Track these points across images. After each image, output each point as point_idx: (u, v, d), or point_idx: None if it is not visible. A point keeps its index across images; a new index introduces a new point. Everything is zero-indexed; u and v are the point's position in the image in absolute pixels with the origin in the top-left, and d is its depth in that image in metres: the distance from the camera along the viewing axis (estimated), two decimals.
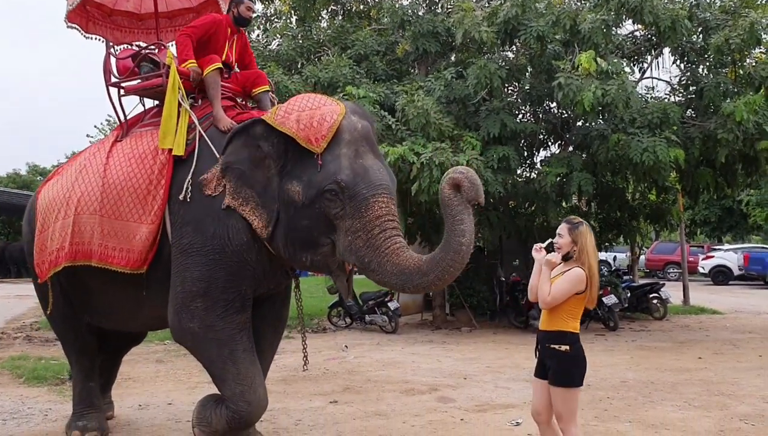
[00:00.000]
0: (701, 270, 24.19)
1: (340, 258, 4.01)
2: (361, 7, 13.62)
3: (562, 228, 3.89)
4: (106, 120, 28.59)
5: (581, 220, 3.92)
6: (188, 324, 4.26)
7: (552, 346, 3.82)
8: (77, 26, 5.26)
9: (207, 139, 4.44)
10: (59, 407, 6.25)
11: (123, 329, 5.50)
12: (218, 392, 4.38)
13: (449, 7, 11.52)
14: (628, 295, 13.08)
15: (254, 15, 4.89)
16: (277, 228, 4.12)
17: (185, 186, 4.33)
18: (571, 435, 3.83)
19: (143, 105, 5.33)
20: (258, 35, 13.64)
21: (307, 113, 4.07)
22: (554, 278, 3.83)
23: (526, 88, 11.84)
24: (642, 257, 24.42)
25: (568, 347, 3.78)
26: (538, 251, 3.94)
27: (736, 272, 23.13)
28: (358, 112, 4.34)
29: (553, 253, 3.86)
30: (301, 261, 4.17)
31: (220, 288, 4.23)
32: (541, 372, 3.93)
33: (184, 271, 4.28)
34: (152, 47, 5.24)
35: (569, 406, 3.83)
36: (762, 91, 10.33)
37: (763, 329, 11.98)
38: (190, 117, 4.56)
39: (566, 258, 3.86)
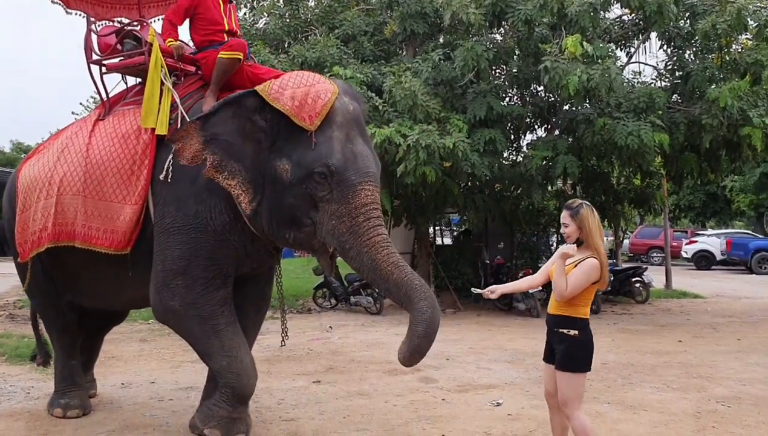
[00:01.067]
0: (684, 255, 24.41)
1: (319, 240, 4.03)
2: None
3: (565, 216, 3.81)
4: (91, 97, 28.15)
5: (581, 202, 3.85)
6: (169, 303, 4.29)
7: (561, 330, 3.78)
8: (59, 2, 5.18)
9: (188, 118, 4.38)
10: (41, 385, 6.25)
11: (106, 308, 5.50)
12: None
13: None
14: (612, 278, 13.18)
15: None
16: (262, 204, 4.10)
17: (167, 166, 4.30)
18: (576, 419, 3.77)
19: (125, 83, 5.28)
20: (245, 13, 13.50)
21: (302, 90, 4.04)
22: (567, 267, 3.74)
23: (514, 71, 11.83)
24: (626, 242, 24.62)
25: (577, 332, 3.74)
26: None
27: (719, 256, 23.36)
28: (350, 92, 4.35)
29: (567, 245, 3.76)
30: (284, 238, 4.17)
31: (200, 266, 4.24)
32: (549, 357, 3.91)
33: (164, 250, 4.28)
34: (134, 24, 5.18)
35: (575, 391, 3.77)
36: (747, 77, 10.39)
37: (742, 313, 12.14)
38: (172, 96, 4.51)
39: (579, 243, 3.79)
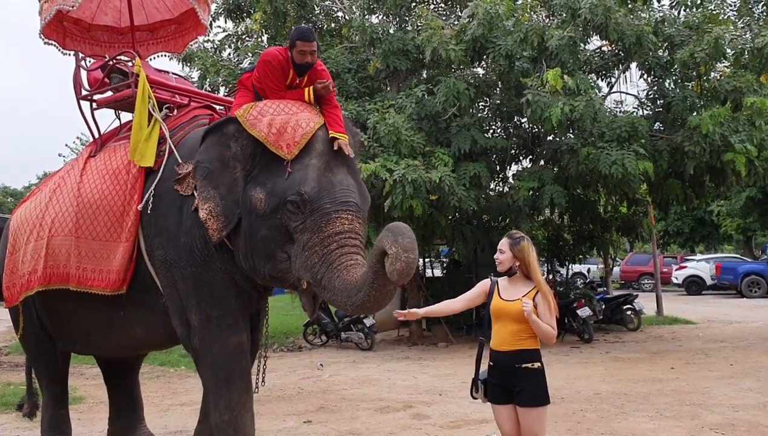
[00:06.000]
0: (675, 281, 24.44)
1: (295, 274, 3.83)
2: (332, 25, 13.67)
3: (503, 243, 3.84)
4: (78, 138, 28.13)
5: (522, 235, 3.87)
6: (191, 340, 4.18)
7: (524, 366, 3.69)
8: (54, 42, 5.15)
9: (175, 151, 4.29)
10: (28, 433, 6.15)
11: (95, 353, 5.39)
12: None
13: (419, 25, 11.60)
14: (603, 307, 13.21)
15: (312, 55, 4.10)
16: (238, 237, 3.98)
17: (147, 196, 4.23)
18: None
19: (119, 118, 5.16)
20: (229, 54, 13.65)
21: (282, 118, 3.91)
22: (515, 301, 3.73)
23: (497, 103, 11.96)
24: (617, 269, 24.65)
25: (539, 364, 3.71)
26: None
27: (709, 281, 23.37)
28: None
29: (529, 303, 3.68)
30: (260, 273, 4.00)
31: (208, 303, 4.11)
32: (503, 396, 3.77)
33: (174, 284, 4.17)
34: (121, 57, 5.04)
35: (544, 423, 3.74)
36: (727, 104, 10.55)
37: (734, 337, 12.13)
38: (161, 128, 4.43)
39: (510, 273, 3.83)
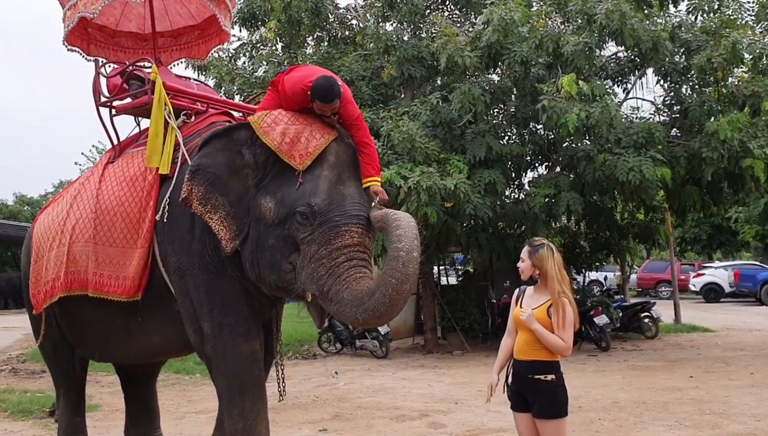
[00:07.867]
0: (692, 288, 24.18)
1: (300, 286, 3.79)
2: (347, 33, 13.67)
3: (524, 251, 3.76)
4: (95, 146, 28.31)
5: (543, 242, 3.77)
6: (204, 348, 4.15)
7: (537, 377, 3.63)
8: (78, 49, 5.16)
9: (189, 159, 4.22)
10: None
11: (113, 360, 5.39)
12: None
13: (433, 32, 11.59)
14: (620, 315, 13.08)
15: (333, 111, 4.00)
16: (246, 245, 3.95)
17: (162, 204, 4.20)
18: None
19: (138, 125, 5.14)
20: (244, 62, 13.69)
21: (296, 128, 3.89)
22: (537, 309, 3.67)
23: (512, 110, 11.92)
24: (634, 276, 24.45)
25: (553, 376, 3.64)
26: None
27: (727, 289, 23.12)
28: None
29: (527, 311, 3.66)
30: (267, 283, 3.95)
31: (220, 311, 4.07)
32: (521, 405, 3.73)
33: (187, 291, 4.15)
34: (140, 63, 5.03)
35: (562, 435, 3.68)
36: (746, 109, 10.45)
37: (754, 346, 11.98)
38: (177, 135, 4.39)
39: (532, 282, 3.75)
